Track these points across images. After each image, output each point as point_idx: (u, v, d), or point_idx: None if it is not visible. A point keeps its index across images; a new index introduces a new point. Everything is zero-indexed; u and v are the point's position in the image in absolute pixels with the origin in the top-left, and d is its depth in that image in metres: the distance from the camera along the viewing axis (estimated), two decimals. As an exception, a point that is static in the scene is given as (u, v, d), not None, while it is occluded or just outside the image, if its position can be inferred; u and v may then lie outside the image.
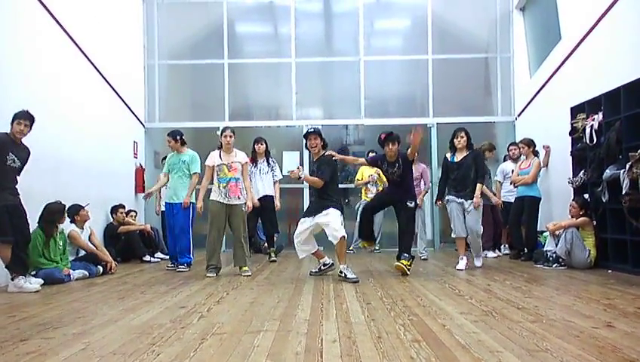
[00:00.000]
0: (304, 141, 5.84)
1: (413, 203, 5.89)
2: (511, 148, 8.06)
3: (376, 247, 8.46)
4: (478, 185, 6.14)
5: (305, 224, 5.65)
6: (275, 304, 4.07)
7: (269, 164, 7.63)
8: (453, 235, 6.46)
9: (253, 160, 7.55)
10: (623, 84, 5.76)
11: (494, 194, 7.55)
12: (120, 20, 8.81)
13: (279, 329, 3.18)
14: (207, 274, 5.81)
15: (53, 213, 5.54)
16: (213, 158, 6.01)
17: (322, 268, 5.80)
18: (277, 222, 7.77)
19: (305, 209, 6.24)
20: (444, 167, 6.45)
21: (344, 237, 5.40)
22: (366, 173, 8.54)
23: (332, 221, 5.42)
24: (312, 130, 5.74)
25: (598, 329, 3.09)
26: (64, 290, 4.97)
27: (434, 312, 3.66)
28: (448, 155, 6.40)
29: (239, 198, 5.97)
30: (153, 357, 2.62)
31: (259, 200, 7.29)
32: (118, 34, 8.65)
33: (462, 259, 6.29)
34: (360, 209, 7.45)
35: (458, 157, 6.27)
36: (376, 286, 4.91)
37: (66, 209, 5.89)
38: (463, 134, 6.23)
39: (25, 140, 5.07)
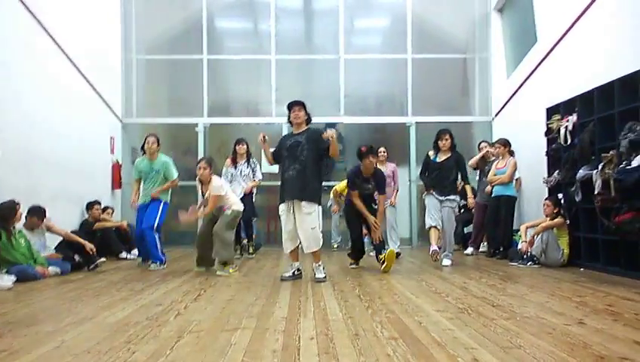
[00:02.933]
0: (287, 112, 5.43)
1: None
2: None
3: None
4: (467, 187, 6.49)
5: (285, 215, 5.23)
6: (252, 301, 4.06)
7: (249, 164, 7.51)
8: (427, 226, 6.48)
9: (234, 160, 7.50)
10: (597, 86, 5.88)
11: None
12: (97, 14, 8.65)
13: (256, 327, 3.18)
14: (195, 268, 5.99)
15: (2, 210, 5.38)
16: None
17: (296, 272, 5.34)
18: (255, 209, 7.74)
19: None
20: (425, 165, 6.64)
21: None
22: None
23: (311, 227, 5.14)
24: (297, 100, 5.40)
25: (570, 326, 3.16)
26: (37, 287, 4.88)
27: (411, 310, 3.69)
28: (431, 154, 6.58)
29: (227, 209, 5.86)
30: (129, 355, 2.59)
31: (240, 200, 7.27)
32: (94, 27, 8.50)
33: (443, 254, 6.44)
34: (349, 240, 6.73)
35: (441, 157, 6.48)
36: (354, 284, 4.93)
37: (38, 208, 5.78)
38: (447, 136, 6.42)
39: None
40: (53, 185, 6.67)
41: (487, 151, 7.79)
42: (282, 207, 5.29)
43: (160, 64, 10.25)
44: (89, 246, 6.10)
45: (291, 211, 5.20)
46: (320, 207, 5.39)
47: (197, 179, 6.01)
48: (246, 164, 7.51)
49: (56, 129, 7.03)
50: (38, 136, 6.56)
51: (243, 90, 10.42)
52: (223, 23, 10.47)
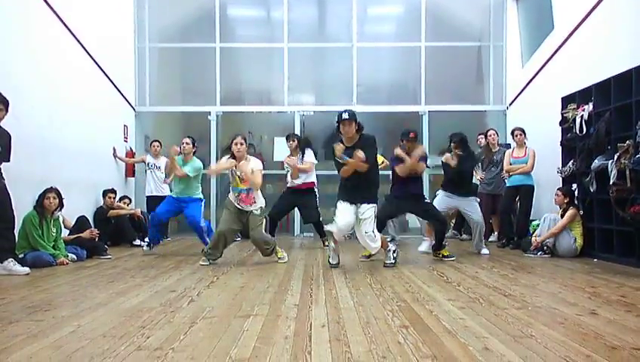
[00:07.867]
0: (337, 126, 5.18)
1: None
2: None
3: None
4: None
5: (347, 213, 5.15)
6: (264, 289, 4.10)
7: (303, 157, 7.08)
8: None
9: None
10: (614, 75, 5.79)
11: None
12: (110, 2, 8.68)
13: (269, 314, 3.21)
14: (201, 262, 5.60)
15: (40, 195, 5.54)
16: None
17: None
18: (316, 210, 7.21)
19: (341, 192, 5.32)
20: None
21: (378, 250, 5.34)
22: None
23: (369, 226, 5.15)
24: (347, 115, 5.07)
25: (583, 316, 3.15)
26: (54, 273, 4.96)
27: (422, 298, 3.70)
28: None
29: (252, 205, 5.61)
30: (143, 339, 2.64)
31: (295, 190, 7.10)
32: (108, 16, 8.53)
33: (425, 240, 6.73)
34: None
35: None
36: (366, 273, 4.95)
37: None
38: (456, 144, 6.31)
39: (15, 123, 5.01)
40: (67, 173, 6.73)
41: (489, 143, 7.88)
42: (344, 206, 5.24)
43: (173, 52, 10.28)
44: (87, 234, 6.29)
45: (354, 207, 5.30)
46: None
47: (229, 155, 5.62)
48: (300, 157, 7.06)
49: (70, 117, 7.08)
50: (53, 124, 6.62)
51: (255, 79, 10.42)
52: (235, 10, 10.44)
